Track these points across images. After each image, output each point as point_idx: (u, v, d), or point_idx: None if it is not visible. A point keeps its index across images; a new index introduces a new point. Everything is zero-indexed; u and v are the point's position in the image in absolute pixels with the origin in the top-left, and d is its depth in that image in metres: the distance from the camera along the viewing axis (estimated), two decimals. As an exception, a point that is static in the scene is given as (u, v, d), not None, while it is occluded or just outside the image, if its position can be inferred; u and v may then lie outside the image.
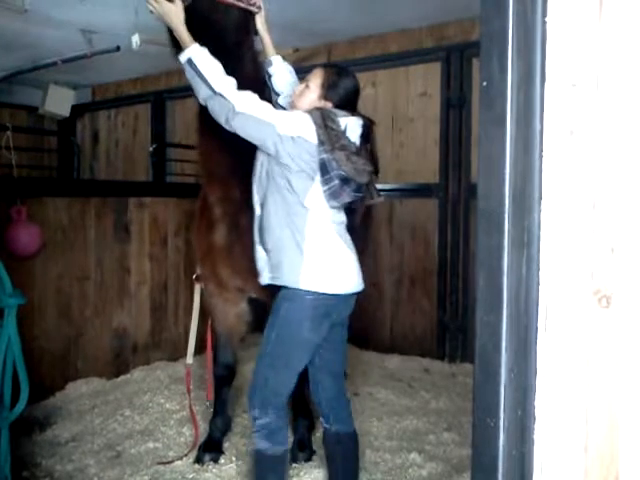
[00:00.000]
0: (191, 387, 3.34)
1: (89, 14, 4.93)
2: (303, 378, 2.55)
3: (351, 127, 2.36)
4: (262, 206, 2.45)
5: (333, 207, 2.36)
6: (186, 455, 3.29)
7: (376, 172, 2.52)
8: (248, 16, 2.75)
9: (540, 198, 1.02)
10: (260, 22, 2.82)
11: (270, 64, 2.87)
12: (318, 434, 3.27)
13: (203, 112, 2.48)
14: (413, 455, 3.25)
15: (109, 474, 3.10)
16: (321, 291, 2.31)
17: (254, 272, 2.55)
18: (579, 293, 1.00)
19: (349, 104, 2.45)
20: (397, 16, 5.03)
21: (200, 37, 2.44)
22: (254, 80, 2.74)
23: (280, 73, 2.88)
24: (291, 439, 3.35)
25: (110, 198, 4.68)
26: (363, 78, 5.55)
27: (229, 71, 2.42)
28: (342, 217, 2.46)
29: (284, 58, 2.96)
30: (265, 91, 2.83)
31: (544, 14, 0.99)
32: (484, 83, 1.07)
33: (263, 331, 2.44)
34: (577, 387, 1.01)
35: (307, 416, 3.32)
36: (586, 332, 1.00)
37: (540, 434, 1.03)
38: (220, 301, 3.16)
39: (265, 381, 2.39)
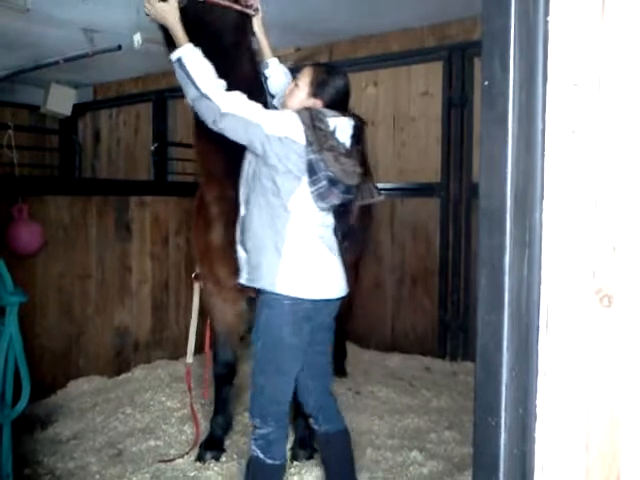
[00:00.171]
0: (192, 386, 3.35)
1: (91, 13, 4.94)
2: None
3: (341, 127, 2.33)
4: (246, 206, 2.44)
5: (322, 209, 2.33)
6: (187, 453, 3.30)
7: (366, 173, 2.49)
8: (245, 18, 2.74)
9: (542, 197, 1.02)
10: (257, 24, 2.80)
11: (267, 66, 2.86)
12: (319, 433, 3.27)
13: None
14: (414, 453, 3.25)
15: (110, 472, 3.10)
16: (298, 296, 2.29)
17: None
18: (580, 292, 1.00)
19: (340, 104, 2.42)
20: (399, 15, 5.02)
21: (195, 38, 2.44)
22: (251, 81, 2.74)
23: (276, 75, 2.86)
24: (292, 437, 3.36)
25: (111, 197, 4.68)
26: (365, 77, 5.58)
27: (225, 73, 2.43)
28: (329, 220, 2.43)
29: (281, 59, 2.95)
30: (263, 92, 2.83)
31: (546, 13, 0.99)
32: (486, 82, 1.07)
33: None
34: (578, 386, 1.01)
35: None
36: (587, 331, 1.00)
37: (541, 433, 1.04)
38: (219, 300, 3.16)
39: (261, 390, 2.39)
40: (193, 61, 2.34)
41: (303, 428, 3.28)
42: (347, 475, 2.63)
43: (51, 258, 4.21)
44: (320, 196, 2.27)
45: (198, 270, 3.20)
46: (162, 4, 2.43)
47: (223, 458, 3.24)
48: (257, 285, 2.38)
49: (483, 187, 1.09)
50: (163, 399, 4.08)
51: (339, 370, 4.67)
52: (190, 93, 2.35)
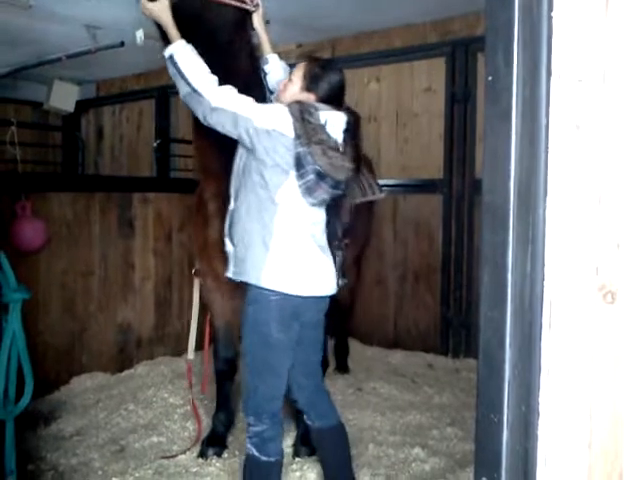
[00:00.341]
0: (193, 382, 3.35)
1: (93, 10, 4.93)
2: None
3: (332, 122, 2.31)
4: (235, 200, 2.44)
5: (312, 204, 2.32)
6: (189, 449, 3.31)
7: (359, 169, 2.48)
8: (244, 14, 2.73)
9: (545, 193, 1.01)
10: (257, 20, 2.79)
11: (266, 62, 2.85)
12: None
13: None
14: (416, 450, 3.25)
15: (113, 468, 3.11)
16: (284, 291, 2.28)
17: None
18: (584, 289, 0.99)
19: (335, 99, 2.40)
20: (401, 11, 5.01)
21: (191, 34, 2.45)
22: (250, 77, 2.73)
23: (275, 71, 2.85)
24: (294, 433, 3.36)
25: (114, 193, 4.68)
26: (367, 73, 5.56)
27: (222, 68, 2.43)
28: (320, 217, 2.42)
29: (283, 55, 2.95)
30: (262, 87, 2.82)
31: (550, 8, 0.99)
32: (489, 78, 1.06)
33: None
34: (581, 383, 1.00)
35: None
36: (591, 328, 1.00)
37: (544, 430, 1.03)
38: (218, 296, 3.16)
39: (253, 388, 2.38)
40: (184, 57, 2.35)
41: (305, 424, 3.29)
42: (343, 469, 2.64)
43: (54, 255, 4.22)
44: (308, 190, 2.25)
45: (198, 266, 3.20)
46: (154, 3, 2.45)
47: (225, 454, 3.25)
48: (242, 278, 2.38)
49: (486, 183, 1.08)
50: (166, 395, 4.09)
51: (341, 366, 4.68)
52: (182, 89, 2.37)
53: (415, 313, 5.33)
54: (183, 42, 2.39)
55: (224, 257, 2.87)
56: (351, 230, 3.09)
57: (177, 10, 2.49)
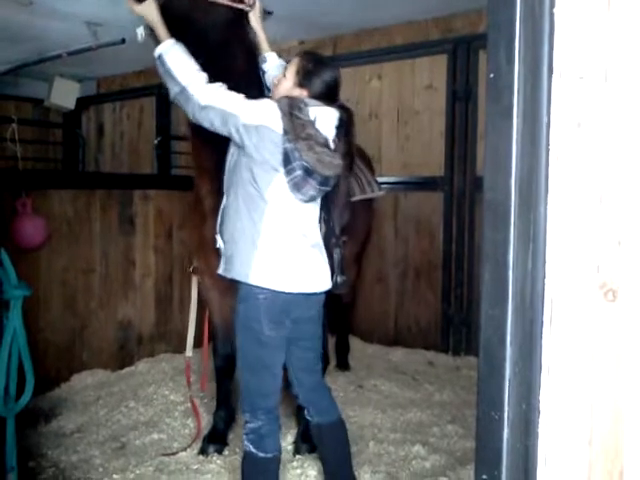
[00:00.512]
0: (191, 380, 3.35)
1: (94, 6, 4.92)
2: None
3: (322, 118, 2.30)
4: (227, 197, 2.44)
5: (303, 201, 2.31)
6: (190, 446, 3.31)
7: (350, 166, 2.47)
8: (239, 12, 2.71)
9: (547, 191, 1.01)
10: (254, 19, 2.77)
11: (264, 60, 2.83)
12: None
13: None
14: (417, 447, 3.26)
15: (114, 465, 3.12)
16: (272, 288, 2.28)
17: None
18: (585, 287, 0.99)
19: (329, 95, 2.39)
20: (403, 8, 5.00)
21: (185, 34, 2.46)
22: (247, 75, 2.72)
23: (274, 69, 2.84)
24: (294, 431, 3.37)
25: (115, 191, 4.68)
26: (369, 71, 5.56)
27: (218, 67, 2.44)
28: (311, 213, 2.41)
29: (285, 53, 2.94)
30: (260, 86, 2.82)
31: (552, 5, 0.98)
32: (491, 75, 1.06)
33: None
34: (582, 381, 1.00)
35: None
36: (592, 326, 0.99)
37: (544, 428, 1.03)
38: (216, 293, 3.16)
39: (247, 385, 2.39)
40: (173, 56, 2.35)
41: (305, 422, 3.29)
42: (343, 466, 2.64)
43: (55, 252, 4.22)
44: (295, 186, 2.25)
45: (195, 263, 3.20)
46: (141, 6, 2.47)
47: (226, 451, 3.26)
48: (231, 275, 2.38)
49: (488, 181, 1.08)
50: (166, 393, 4.09)
51: (342, 364, 4.68)
52: (171, 88, 2.37)
53: (416, 310, 5.33)
54: (172, 41, 2.39)
55: (220, 254, 2.88)
56: (350, 227, 3.09)
57: (169, 9, 2.49)
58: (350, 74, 5.59)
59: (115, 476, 2.99)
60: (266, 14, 2.88)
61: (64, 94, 7.39)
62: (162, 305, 5.04)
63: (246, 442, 2.38)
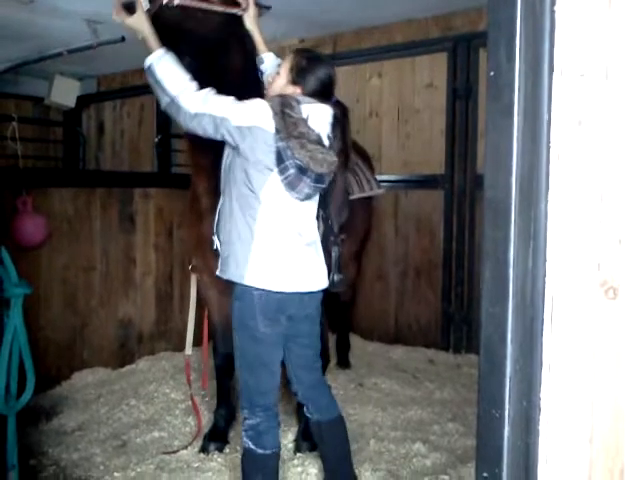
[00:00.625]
0: (191, 378, 3.34)
1: (95, 4, 4.91)
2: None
3: (315, 115, 2.29)
4: (223, 197, 2.44)
5: (299, 199, 2.31)
6: (191, 444, 3.31)
7: (346, 162, 2.46)
8: (233, 17, 2.70)
9: (547, 189, 1.01)
10: (249, 21, 2.76)
11: (262, 61, 2.82)
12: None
13: None
14: (417, 445, 3.26)
15: (115, 463, 3.12)
16: (266, 288, 2.28)
17: None
18: (585, 285, 0.99)
19: (323, 92, 2.38)
20: (403, 6, 4.99)
21: (178, 42, 2.47)
22: (245, 78, 2.71)
23: (271, 69, 2.82)
24: (295, 429, 3.37)
25: (115, 189, 4.68)
26: (369, 69, 5.55)
27: (215, 72, 2.46)
28: (307, 212, 2.40)
29: (283, 51, 2.94)
30: (259, 87, 2.81)
31: (553, 3, 0.98)
32: (491, 73, 1.06)
33: None
34: (583, 379, 1.00)
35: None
36: (592, 324, 0.99)
37: (545, 425, 1.03)
38: (215, 292, 3.16)
39: (245, 383, 2.40)
40: (162, 67, 2.35)
41: (306, 420, 3.29)
42: (343, 463, 2.65)
43: (55, 250, 4.22)
44: (290, 185, 2.24)
45: (194, 262, 3.20)
46: (130, 18, 2.46)
47: (226, 449, 3.26)
48: (227, 277, 2.39)
49: (488, 178, 1.08)
50: (167, 391, 4.10)
51: (342, 362, 4.68)
52: (162, 99, 2.36)
53: (416, 309, 5.33)
54: (161, 51, 2.38)
55: (218, 254, 2.88)
56: (349, 226, 3.08)
57: (161, 19, 2.49)
58: (350, 72, 5.59)
59: (116, 474, 3.00)
60: (264, 9, 2.86)
61: (64, 92, 7.39)
62: (162, 303, 5.04)
63: (245, 439, 2.40)
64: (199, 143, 2.77)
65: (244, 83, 2.63)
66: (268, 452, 2.37)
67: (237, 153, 2.30)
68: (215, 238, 2.50)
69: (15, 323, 2.51)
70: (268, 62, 2.81)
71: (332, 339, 4.70)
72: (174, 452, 3.24)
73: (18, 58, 6.24)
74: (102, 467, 3.09)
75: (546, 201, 1.01)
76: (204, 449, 3.24)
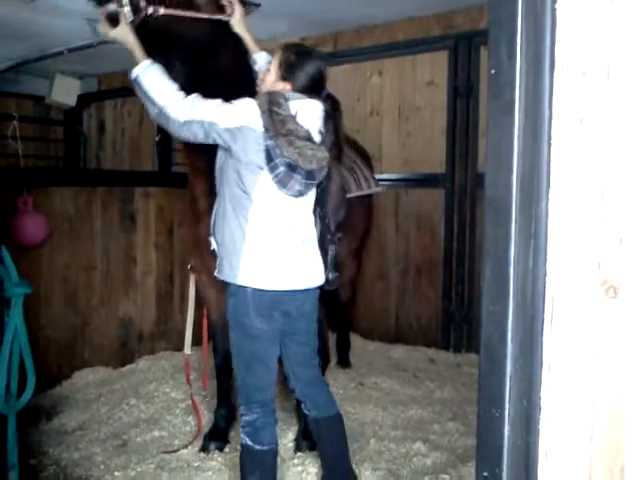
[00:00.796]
0: (191, 377, 3.34)
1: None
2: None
3: (304, 111, 2.28)
4: (217, 198, 2.44)
5: (293, 196, 2.30)
6: (191, 443, 3.31)
7: (339, 157, 2.45)
8: (220, 21, 2.70)
9: (548, 187, 1.01)
10: (236, 23, 2.74)
11: (255, 62, 2.79)
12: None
13: None
14: (418, 444, 3.26)
15: (115, 462, 3.12)
16: (259, 287, 2.29)
17: None
18: (586, 284, 0.99)
19: (314, 87, 2.36)
20: (403, 4, 4.98)
21: (166, 50, 2.49)
22: (238, 80, 2.70)
23: (264, 67, 2.83)
24: (295, 428, 3.37)
25: (116, 188, 4.68)
26: (370, 67, 5.54)
27: (206, 77, 2.47)
28: (301, 209, 2.40)
29: (271, 53, 2.93)
30: (254, 88, 2.81)
31: (554, 0, 0.98)
32: (492, 71, 1.05)
33: None
34: (583, 378, 1.00)
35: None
36: (593, 323, 0.99)
37: (545, 424, 1.03)
38: (213, 292, 3.16)
39: (242, 380, 2.41)
40: (148, 78, 2.35)
41: (305, 418, 3.29)
42: (341, 460, 2.65)
43: (56, 249, 4.22)
44: (281, 183, 2.24)
45: (193, 262, 3.20)
46: (114, 30, 2.47)
47: (227, 449, 3.26)
48: (222, 277, 2.39)
49: (489, 177, 1.08)
50: (167, 390, 4.10)
51: (343, 361, 4.68)
52: (150, 110, 2.37)
53: (417, 307, 5.33)
54: (147, 62, 2.39)
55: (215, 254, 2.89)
56: (347, 224, 3.08)
57: (147, 28, 2.50)
58: (351, 70, 5.58)
59: (116, 473, 3.00)
60: (252, 7, 2.84)
61: (65, 91, 7.39)
62: (163, 302, 5.04)
63: (242, 435, 2.41)
64: (194, 145, 2.78)
65: (237, 85, 2.62)
66: (265, 448, 2.38)
67: (230, 154, 2.30)
68: (212, 239, 2.50)
69: (16, 322, 2.51)
70: (261, 61, 2.78)
71: (332, 338, 4.70)
72: (174, 451, 3.24)
73: (19, 57, 6.24)
74: (102, 466, 3.09)
75: (547, 199, 1.01)
76: (204, 448, 3.24)
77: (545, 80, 1.00)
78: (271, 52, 2.82)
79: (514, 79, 1.02)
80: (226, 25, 2.73)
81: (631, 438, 0.99)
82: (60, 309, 4.28)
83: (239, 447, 2.47)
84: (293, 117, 2.24)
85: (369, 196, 4.07)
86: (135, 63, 2.42)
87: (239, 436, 3.33)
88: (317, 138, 2.33)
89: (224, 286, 2.49)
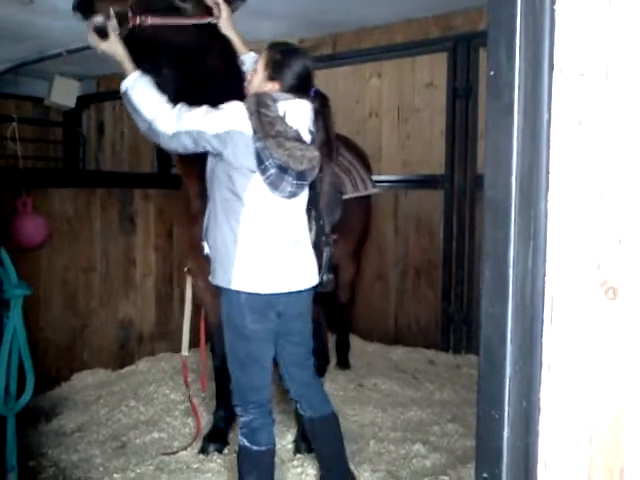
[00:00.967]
0: (189, 379, 3.33)
1: (94, 4, 4.92)
2: None
3: (292, 111, 2.28)
4: (209, 201, 2.44)
5: (286, 197, 2.30)
6: (191, 445, 3.31)
7: (329, 154, 2.45)
8: (208, 25, 2.70)
9: (547, 189, 1.01)
10: (224, 26, 2.73)
11: (243, 63, 2.79)
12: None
13: None
14: (417, 446, 3.26)
15: (114, 464, 3.12)
16: (252, 291, 2.29)
17: None
18: (585, 285, 0.99)
19: (302, 86, 2.35)
20: (403, 6, 4.99)
21: (155, 58, 2.51)
22: (226, 82, 2.70)
23: (251, 68, 2.83)
24: (294, 430, 3.37)
25: (115, 189, 4.68)
26: (369, 69, 5.55)
27: (193, 81, 2.50)
28: (294, 210, 2.39)
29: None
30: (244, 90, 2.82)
31: (553, 1, 0.98)
32: (491, 72, 1.05)
33: None
34: (582, 379, 1.00)
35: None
36: (592, 324, 0.99)
37: (545, 426, 1.03)
38: (208, 294, 3.15)
39: (237, 381, 2.42)
40: (137, 92, 2.35)
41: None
42: (337, 460, 2.66)
43: (55, 251, 4.22)
44: (272, 185, 2.24)
45: (189, 265, 3.20)
46: (104, 43, 2.49)
47: (226, 450, 3.26)
48: (216, 282, 2.39)
49: (488, 178, 1.08)
50: (167, 392, 4.09)
51: (342, 362, 4.68)
52: (140, 125, 2.37)
53: (416, 309, 5.33)
54: (136, 75, 2.39)
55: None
56: (343, 225, 3.07)
57: (135, 38, 2.51)
58: (350, 72, 5.59)
59: (115, 475, 2.99)
60: (239, 2, 2.83)
61: (64, 93, 7.38)
62: (162, 304, 5.04)
63: (240, 436, 2.42)
64: None
65: (227, 87, 2.61)
66: (263, 449, 2.38)
67: (220, 159, 2.30)
68: (205, 244, 2.50)
69: (15, 324, 2.51)
70: (249, 62, 2.77)
71: (332, 340, 4.70)
72: (173, 453, 3.24)
73: (18, 58, 6.20)
74: (101, 468, 3.08)
75: (546, 201, 1.01)
76: (204, 450, 3.24)
77: (544, 81, 1.00)
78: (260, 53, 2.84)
79: (513, 80, 1.02)
80: (214, 27, 2.73)
81: (631, 439, 0.99)
82: (59, 311, 4.28)
83: (236, 448, 2.47)
84: (282, 118, 2.23)
85: (367, 197, 4.06)
86: (125, 75, 2.42)
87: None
88: (307, 138, 2.32)
89: (219, 289, 2.50)
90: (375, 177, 4.43)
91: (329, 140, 2.39)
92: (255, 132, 2.19)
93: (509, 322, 1.05)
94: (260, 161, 2.21)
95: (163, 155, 6.89)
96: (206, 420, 3.52)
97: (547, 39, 0.99)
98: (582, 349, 1.00)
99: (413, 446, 3.26)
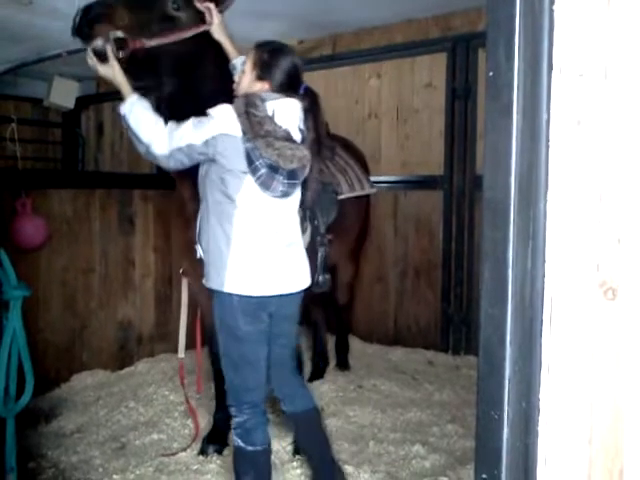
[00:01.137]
0: (186, 381, 3.33)
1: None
2: None
3: (281, 111, 2.28)
4: (202, 204, 2.44)
5: (278, 197, 2.30)
6: (190, 446, 3.30)
7: (319, 151, 2.44)
8: (202, 34, 2.70)
9: (546, 189, 1.01)
10: (217, 32, 2.73)
11: (234, 67, 2.77)
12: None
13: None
14: (416, 447, 3.25)
15: (114, 465, 3.11)
16: (245, 294, 2.29)
17: None
18: (585, 285, 0.99)
19: (291, 84, 2.35)
20: (402, 6, 4.99)
21: (153, 70, 2.55)
22: (222, 86, 2.69)
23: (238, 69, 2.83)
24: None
25: (115, 190, 4.68)
26: (368, 69, 5.55)
27: (190, 87, 2.53)
28: (286, 211, 2.40)
29: None
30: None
31: (552, 1, 0.98)
32: (490, 73, 1.05)
33: None
34: (582, 380, 1.00)
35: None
36: (591, 325, 0.99)
37: (544, 426, 1.03)
38: (203, 296, 3.15)
39: (231, 382, 2.42)
40: (134, 117, 2.38)
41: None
42: (323, 452, 2.68)
43: (54, 252, 4.22)
44: (264, 185, 2.24)
45: (184, 266, 3.19)
46: (103, 67, 2.50)
47: (226, 451, 3.25)
48: (209, 285, 2.39)
49: (487, 179, 1.08)
50: (166, 393, 4.09)
51: (342, 363, 4.67)
52: (140, 149, 2.40)
53: (415, 310, 5.33)
54: (134, 99, 2.41)
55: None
56: (339, 226, 3.06)
57: (135, 56, 2.53)
58: (349, 73, 5.59)
59: (115, 476, 2.99)
60: (228, 2, 2.83)
61: (63, 93, 7.38)
62: (162, 305, 5.03)
63: (235, 437, 2.42)
64: None
65: (222, 92, 2.62)
66: (258, 449, 2.39)
67: (213, 162, 2.30)
68: (198, 247, 2.50)
69: (14, 325, 2.51)
70: (240, 66, 2.75)
71: (331, 341, 4.70)
72: (173, 454, 3.24)
73: (17, 59, 6.21)
74: (101, 469, 3.08)
75: (545, 201, 1.01)
76: (203, 451, 3.23)
77: (543, 81, 1.00)
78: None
79: (512, 81, 1.02)
80: (207, 34, 2.73)
81: (630, 440, 0.99)
82: (59, 312, 4.28)
83: (232, 448, 2.48)
84: (271, 118, 2.23)
85: (364, 197, 4.05)
86: (123, 98, 2.46)
87: (237, 438, 3.36)
88: (297, 136, 2.32)
89: (212, 292, 2.50)
90: (374, 178, 4.43)
91: (318, 138, 2.39)
92: (244, 133, 2.20)
93: (508, 323, 1.05)
94: (250, 161, 2.21)
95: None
96: (206, 421, 3.52)
97: (546, 39, 0.99)
98: (581, 350, 1.00)
99: (412, 447, 3.26)
